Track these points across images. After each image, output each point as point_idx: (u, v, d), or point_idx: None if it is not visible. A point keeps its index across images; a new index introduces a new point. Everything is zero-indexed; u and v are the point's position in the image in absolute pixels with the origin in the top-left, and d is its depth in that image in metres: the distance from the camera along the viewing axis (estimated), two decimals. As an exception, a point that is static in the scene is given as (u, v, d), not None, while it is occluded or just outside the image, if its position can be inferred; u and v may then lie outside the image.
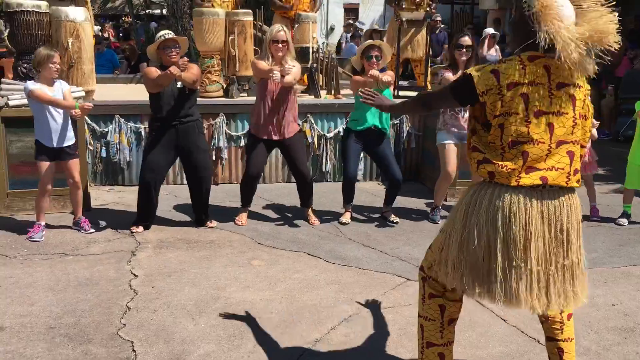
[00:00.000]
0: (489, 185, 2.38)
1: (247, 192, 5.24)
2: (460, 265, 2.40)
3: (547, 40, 2.22)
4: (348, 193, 5.35)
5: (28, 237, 4.62)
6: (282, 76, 4.82)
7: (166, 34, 4.82)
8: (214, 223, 5.13)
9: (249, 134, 5.22)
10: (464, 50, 5.10)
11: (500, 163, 2.33)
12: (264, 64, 4.92)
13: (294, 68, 4.91)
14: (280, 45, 4.89)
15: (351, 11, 20.49)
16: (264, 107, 5.01)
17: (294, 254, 4.53)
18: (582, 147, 2.46)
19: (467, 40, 5.13)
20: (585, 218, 5.54)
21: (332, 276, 4.11)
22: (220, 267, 4.22)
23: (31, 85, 4.53)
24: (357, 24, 14.55)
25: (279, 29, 4.93)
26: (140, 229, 4.91)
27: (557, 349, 2.63)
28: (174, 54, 4.72)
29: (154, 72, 4.69)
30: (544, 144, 2.30)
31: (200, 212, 5.12)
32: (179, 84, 4.80)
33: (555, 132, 2.31)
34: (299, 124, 5.20)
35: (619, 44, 2.31)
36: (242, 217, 5.22)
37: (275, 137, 5.07)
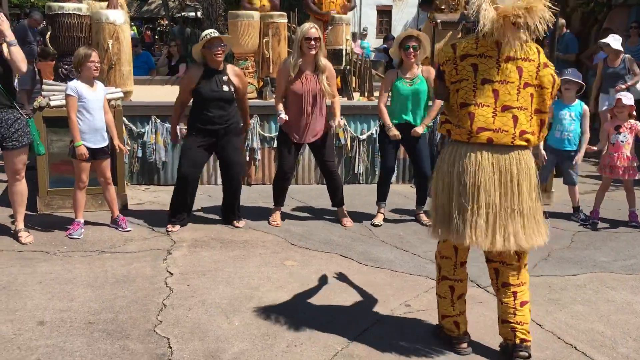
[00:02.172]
0: (451, 144, 2.91)
1: (279, 191, 5.27)
2: (434, 213, 2.95)
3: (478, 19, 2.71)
4: (383, 189, 5.34)
5: (68, 235, 4.73)
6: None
7: (211, 32, 4.87)
8: (242, 223, 5.16)
9: (279, 131, 5.26)
10: None
11: (454, 122, 2.86)
12: (281, 89, 5.01)
13: (325, 71, 4.98)
14: (312, 42, 4.87)
15: (384, 13, 20.46)
16: (294, 109, 5.01)
17: (327, 255, 4.54)
18: (542, 112, 2.86)
19: None
20: (623, 224, 5.43)
21: (365, 278, 4.10)
22: (254, 267, 4.26)
23: (69, 90, 4.63)
24: (363, 30, 14.61)
25: (310, 26, 4.91)
26: (177, 227, 4.98)
27: (512, 292, 2.99)
28: (220, 52, 4.80)
29: (187, 83, 4.86)
30: (488, 107, 2.79)
31: (230, 209, 5.16)
32: (225, 88, 4.85)
33: (500, 98, 2.79)
34: (330, 123, 5.20)
35: (551, 17, 2.70)
36: (276, 217, 5.25)
37: (305, 139, 5.09)
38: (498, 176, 2.79)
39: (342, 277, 4.11)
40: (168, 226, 4.98)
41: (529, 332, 3.00)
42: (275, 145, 6.50)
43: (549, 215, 5.57)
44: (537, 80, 2.83)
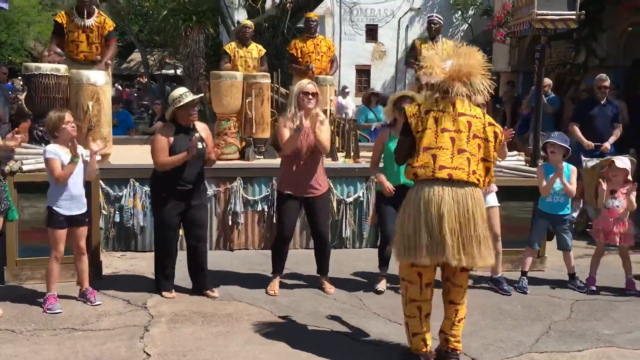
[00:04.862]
0: (416, 184, 3.55)
1: (279, 256, 5.07)
2: (400, 243, 3.52)
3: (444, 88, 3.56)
4: (385, 256, 5.12)
5: (46, 310, 4.38)
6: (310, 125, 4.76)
7: (185, 93, 4.72)
8: (216, 292, 4.88)
9: (277, 193, 5.10)
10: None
11: (417, 164, 3.51)
12: (286, 136, 4.82)
13: (325, 122, 4.86)
14: (310, 96, 4.81)
15: (363, 72, 20.73)
16: (294, 163, 4.87)
17: (317, 330, 4.26)
18: (487, 161, 3.56)
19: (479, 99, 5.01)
20: (620, 291, 5.25)
21: (359, 357, 3.82)
22: (239, 345, 3.94)
23: (49, 154, 4.39)
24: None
25: (308, 82, 4.95)
26: (174, 293, 4.81)
27: (455, 310, 3.66)
28: (195, 112, 4.74)
29: (164, 143, 4.65)
30: (447, 150, 3.46)
31: (201, 276, 4.91)
32: (200, 145, 4.70)
33: (456, 144, 3.48)
34: (328, 183, 5.04)
35: (489, 78, 3.59)
36: (274, 286, 5.01)
37: (307, 194, 4.90)
38: (457, 207, 3.41)
39: (336, 356, 3.81)
40: (165, 293, 4.79)
41: (460, 342, 3.68)
42: (259, 208, 6.29)
43: (544, 282, 5.48)
44: (484, 134, 3.54)
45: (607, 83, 7.39)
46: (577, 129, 7.37)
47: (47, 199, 4.48)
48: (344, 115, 9.28)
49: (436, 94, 3.62)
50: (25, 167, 4.94)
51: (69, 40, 6.42)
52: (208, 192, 5.73)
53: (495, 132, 3.58)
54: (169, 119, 4.82)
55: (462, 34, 19.98)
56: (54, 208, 4.42)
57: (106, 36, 6.53)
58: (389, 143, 5.01)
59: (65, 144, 4.47)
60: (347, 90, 14.62)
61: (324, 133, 4.86)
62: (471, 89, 3.55)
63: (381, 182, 4.97)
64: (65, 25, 6.39)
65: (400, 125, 4.44)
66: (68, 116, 4.50)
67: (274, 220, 5.37)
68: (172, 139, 4.70)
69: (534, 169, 5.76)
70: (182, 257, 5.26)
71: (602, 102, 7.39)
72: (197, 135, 4.76)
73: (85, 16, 6.38)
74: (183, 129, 4.75)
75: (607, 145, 7.22)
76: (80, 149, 4.57)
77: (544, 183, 5.26)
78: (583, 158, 6.87)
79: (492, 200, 5.18)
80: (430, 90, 3.72)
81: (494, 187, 5.19)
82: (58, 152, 4.42)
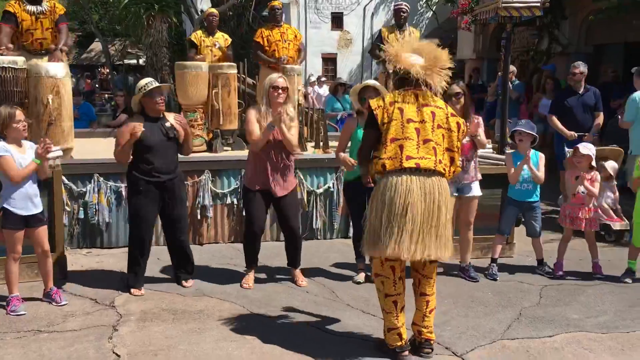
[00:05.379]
0: (383, 176, 3.53)
1: (252, 251, 5.02)
2: (369, 237, 3.53)
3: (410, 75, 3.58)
4: (359, 246, 5.10)
5: (9, 312, 4.23)
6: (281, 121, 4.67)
7: (150, 81, 4.65)
8: (190, 282, 4.90)
9: (244, 188, 5.03)
10: (454, 99, 4.99)
11: (385, 156, 3.50)
12: (256, 132, 4.74)
13: (295, 119, 4.82)
14: (280, 91, 4.74)
15: (329, 61, 20.64)
16: (262, 160, 4.80)
17: (291, 324, 4.22)
18: (452, 151, 3.60)
19: (456, 88, 5.01)
20: (587, 276, 5.34)
21: (335, 349, 3.79)
22: (211, 342, 3.88)
23: (1, 150, 4.21)
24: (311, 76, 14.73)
25: (278, 76, 4.86)
26: (143, 291, 4.72)
27: (426, 301, 3.69)
28: (161, 101, 4.65)
29: (125, 133, 4.56)
30: (413, 141, 3.49)
31: (180, 267, 4.95)
32: (170, 134, 4.67)
33: (421, 134, 3.51)
34: (297, 174, 5.00)
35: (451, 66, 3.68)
36: (249, 280, 4.97)
37: (274, 191, 4.83)
38: (423, 197, 3.43)
39: (310, 350, 3.78)
40: (134, 291, 4.69)
41: (432, 333, 3.72)
42: (228, 201, 6.20)
43: (513, 268, 5.55)
44: (447, 124, 3.58)
45: (580, 70, 7.28)
46: (555, 120, 7.31)
47: (1, 199, 4.30)
48: (322, 106, 9.19)
49: (401, 84, 3.65)
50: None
51: (23, 29, 6.17)
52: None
53: (457, 123, 3.64)
54: (137, 111, 4.72)
55: (427, 22, 20.03)
56: (9, 208, 4.25)
57: (56, 21, 6.27)
58: (356, 131, 4.98)
59: (15, 142, 4.29)
60: (322, 79, 14.58)
61: (293, 131, 4.78)
62: (438, 80, 3.61)
63: (342, 160, 4.93)
64: (17, 14, 6.14)
65: (365, 116, 4.43)
66: (19, 114, 4.30)
67: (244, 215, 5.29)
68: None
69: (502, 157, 5.80)
70: (152, 253, 5.17)
71: (579, 92, 7.29)
72: (167, 124, 4.69)
73: (36, 2, 6.15)
74: (152, 119, 4.66)
75: (589, 136, 7.08)
76: (29, 145, 4.39)
77: (513, 171, 5.30)
78: (566, 149, 6.78)
79: (476, 189, 5.20)
80: (395, 80, 3.71)
81: (479, 176, 5.21)
82: (9, 150, 4.24)
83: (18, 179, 4.22)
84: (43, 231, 4.44)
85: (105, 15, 23.53)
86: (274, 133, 4.74)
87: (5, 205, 4.26)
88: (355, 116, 5.23)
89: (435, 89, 3.66)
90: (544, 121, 10.08)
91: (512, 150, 5.63)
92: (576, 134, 7.12)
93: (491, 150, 6.06)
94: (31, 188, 4.33)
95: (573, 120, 7.23)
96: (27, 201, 4.30)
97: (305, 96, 13.18)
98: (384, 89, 5.16)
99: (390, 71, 3.95)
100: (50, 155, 4.46)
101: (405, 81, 3.63)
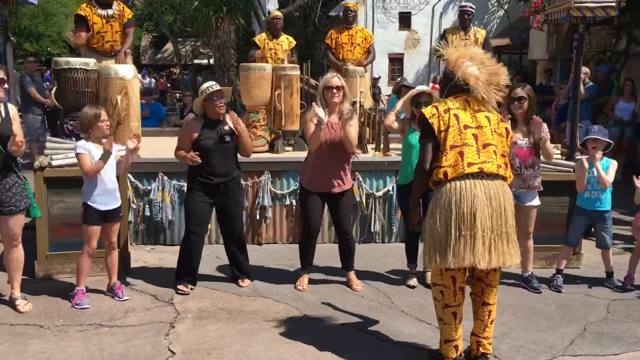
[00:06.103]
0: (442, 185, 3.40)
1: (307, 252, 5.01)
2: (431, 248, 3.39)
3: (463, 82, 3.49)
4: (411, 251, 5.06)
5: (74, 305, 4.42)
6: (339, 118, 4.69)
7: (212, 85, 4.75)
8: (246, 282, 4.96)
9: (300, 188, 5.04)
10: (517, 103, 4.80)
11: (446, 164, 3.39)
12: (311, 127, 4.73)
13: (354, 117, 4.76)
14: (334, 91, 4.72)
15: (396, 61, 20.46)
16: (318, 159, 4.80)
17: (344, 328, 4.19)
18: (504, 156, 3.52)
19: (520, 92, 4.82)
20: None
21: (386, 358, 3.74)
22: (264, 344, 3.90)
23: (79, 149, 4.40)
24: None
25: (332, 75, 4.83)
26: (189, 287, 4.79)
27: (488, 311, 3.56)
28: (221, 104, 4.73)
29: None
30: (472, 147, 3.40)
31: (236, 267, 5.01)
32: (227, 139, 4.75)
33: (480, 139, 3.43)
34: (356, 177, 4.95)
35: (509, 82, 3.61)
36: (304, 281, 4.98)
37: (330, 190, 4.81)
38: (489, 202, 3.32)
39: (362, 357, 3.74)
40: (181, 287, 4.75)
41: (490, 344, 3.61)
42: (287, 202, 6.23)
43: (579, 280, 5.29)
44: (499, 129, 3.53)
45: None
46: None
47: (82, 195, 4.50)
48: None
49: (454, 91, 3.55)
50: (54, 163, 4.97)
51: (94, 32, 6.43)
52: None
53: (506, 129, 3.58)
54: (199, 114, 4.85)
55: (498, 21, 19.53)
56: (90, 204, 4.44)
57: (124, 24, 6.53)
58: (408, 135, 4.92)
59: (97, 141, 4.48)
60: (378, 77, 14.49)
61: (352, 129, 4.75)
62: (493, 96, 3.53)
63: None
64: (89, 17, 6.41)
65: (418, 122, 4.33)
66: (104, 114, 4.51)
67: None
68: (199, 132, 4.73)
69: (571, 163, 5.55)
70: (209, 252, 5.27)
71: None
72: (225, 128, 4.78)
73: (106, 6, 6.41)
74: (212, 122, 4.77)
75: None
76: (114, 145, 4.57)
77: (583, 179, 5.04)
78: None
79: (536, 199, 5.00)
80: (449, 86, 3.59)
81: (539, 185, 5.00)
82: (88, 148, 4.43)
83: (91, 175, 4.40)
84: (117, 227, 4.65)
85: (177, 17, 24.26)
86: (331, 132, 4.72)
87: (86, 201, 4.46)
88: (408, 120, 5.14)
89: (489, 102, 3.56)
90: (620, 124, 9.61)
91: (582, 157, 5.37)
92: None
93: (559, 154, 5.81)
94: (110, 183, 4.50)
95: None
96: (107, 196, 4.47)
97: (374, 96, 13.14)
98: (437, 97, 5.05)
99: (443, 76, 3.83)
100: (118, 153, 4.64)
101: (459, 88, 3.54)
